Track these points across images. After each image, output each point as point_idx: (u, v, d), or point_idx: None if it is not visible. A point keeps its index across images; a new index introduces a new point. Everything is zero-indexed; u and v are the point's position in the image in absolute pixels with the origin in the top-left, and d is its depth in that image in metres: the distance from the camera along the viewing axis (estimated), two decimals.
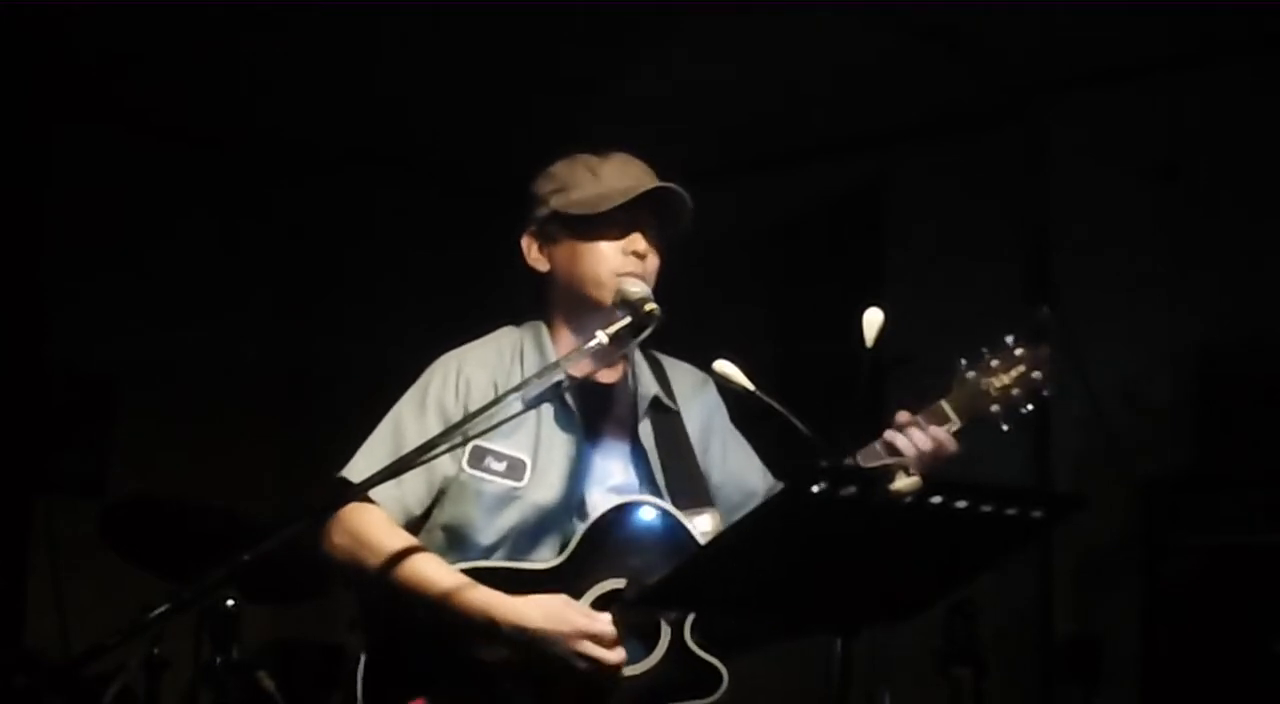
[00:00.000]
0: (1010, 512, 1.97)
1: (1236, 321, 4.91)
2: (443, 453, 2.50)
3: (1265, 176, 4.89)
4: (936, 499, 1.90)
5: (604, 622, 2.48)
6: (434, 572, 2.54)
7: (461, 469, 2.64)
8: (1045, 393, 2.64)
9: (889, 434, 2.60)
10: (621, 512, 2.61)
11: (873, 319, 2.54)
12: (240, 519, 4.25)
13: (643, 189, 2.66)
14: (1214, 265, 4.97)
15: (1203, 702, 4.46)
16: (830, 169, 6.05)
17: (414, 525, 2.66)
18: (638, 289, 2.63)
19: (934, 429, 2.60)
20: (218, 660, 4.10)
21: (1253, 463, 4.71)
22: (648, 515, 2.61)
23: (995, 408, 2.62)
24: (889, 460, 2.55)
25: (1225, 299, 4.94)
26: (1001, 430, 2.63)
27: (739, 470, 2.85)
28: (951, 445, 2.61)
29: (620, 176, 2.70)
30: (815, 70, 5.32)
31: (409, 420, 2.67)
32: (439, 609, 2.51)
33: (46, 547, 5.49)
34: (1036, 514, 2.00)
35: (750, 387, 2.59)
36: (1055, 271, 5.35)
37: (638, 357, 2.81)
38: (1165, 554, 4.65)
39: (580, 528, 2.61)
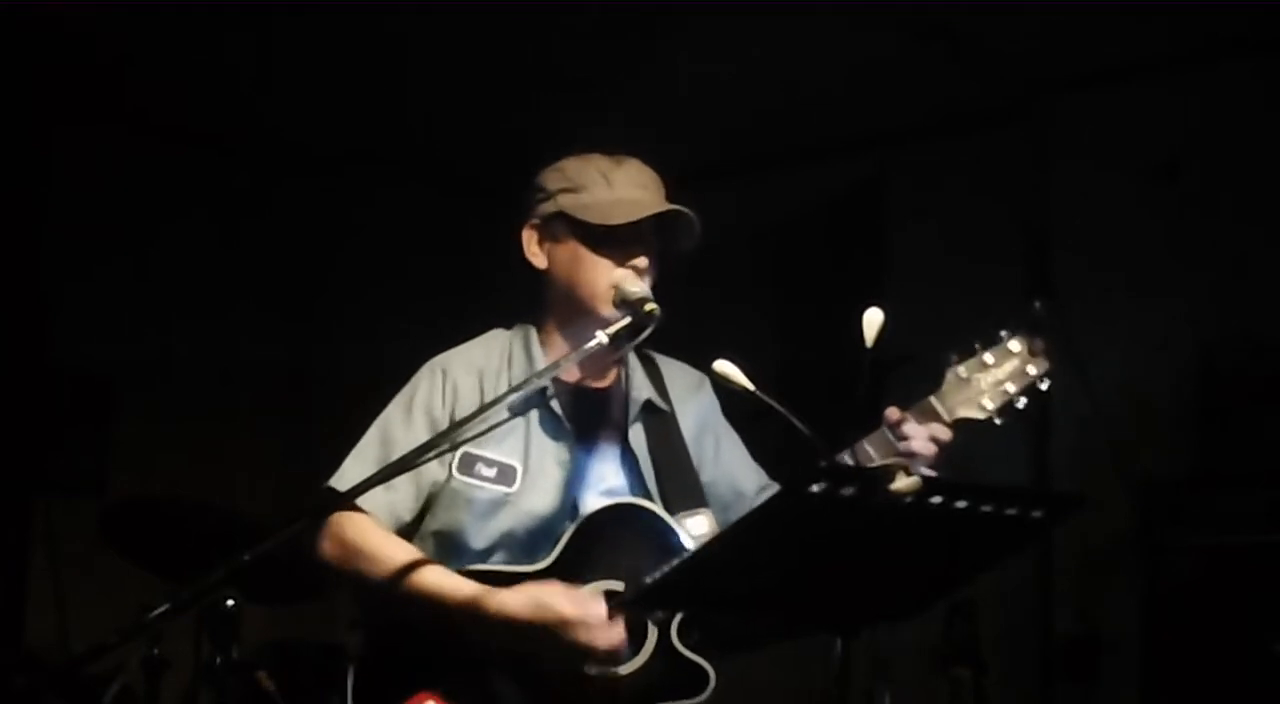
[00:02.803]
0: (1010, 512, 1.97)
1: (1236, 321, 4.90)
2: (431, 458, 2.49)
3: (1265, 176, 4.89)
4: (936, 499, 1.90)
5: (594, 606, 2.45)
6: (426, 571, 2.53)
7: (452, 476, 2.62)
8: (1044, 388, 2.56)
9: (906, 427, 2.54)
10: (608, 514, 2.61)
11: (872, 319, 2.51)
12: (240, 519, 4.25)
13: (658, 209, 2.64)
14: (1214, 265, 4.97)
15: (1203, 702, 4.45)
16: (830, 169, 6.05)
17: (405, 533, 2.66)
18: (637, 289, 2.62)
19: (928, 426, 2.54)
20: (218, 660, 4.10)
21: (1253, 463, 4.71)
22: (635, 517, 2.61)
23: (988, 403, 2.55)
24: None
25: (1225, 299, 4.94)
26: (995, 426, 2.56)
27: (730, 468, 2.83)
28: (945, 435, 2.55)
29: (633, 187, 2.68)
30: (815, 70, 5.32)
31: (396, 427, 2.66)
32: (431, 607, 2.51)
33: (46, 547, 5.49)
34: (1036, 514, 2.00)
35: (750, 386, 2.58)
36: (1055, 272, 5.35)
37: (632, 359, 2.80)
38: (1165, 554, 4.65)
39: (568, 530, 2.60)
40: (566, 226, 2.69)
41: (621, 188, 2.67)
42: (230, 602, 4.06)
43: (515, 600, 2.46)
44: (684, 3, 4.82)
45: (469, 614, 2.48)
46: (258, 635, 4.68)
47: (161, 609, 2.09)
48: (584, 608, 2.45)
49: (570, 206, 2.68)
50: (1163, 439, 4.96)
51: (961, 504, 1.92)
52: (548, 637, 2.45)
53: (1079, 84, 5.34)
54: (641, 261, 2.66)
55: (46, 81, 5.38)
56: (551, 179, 2.72)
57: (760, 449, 2.90)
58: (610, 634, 2.46)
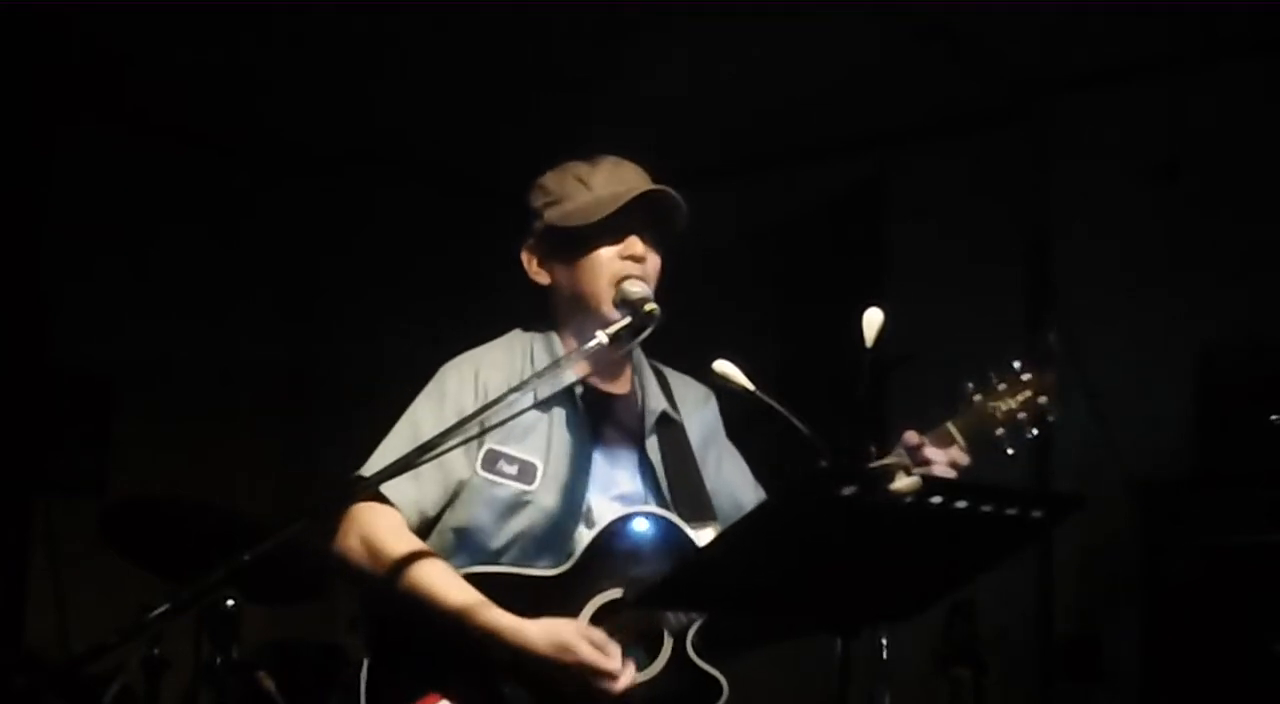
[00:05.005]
0: (1010, 512, 1.97)
1: (1236, 321, 4.90)
2: (453, 448, 2.48)
3: (1265, 176, 4.90)
4: (936, 499, 1.90)
5: (613, 656, 2.49)
6: (443, 587, 2.54)
7: (475, 472, 2.64)
8: (1052, 418, 2.63)
9: (927, 451, 2.58)
10: (628, 522, 2.62)
11: (873, 319, 2.52)
12: (240, 519, 4.25)
13: (632, 194, 2.65)
14: (1214, 265, 4.97)
15: (1203, 702, 4.45)
16: (830, 169, 6.05)
17: (427, 526, 2.66)
18: (638, 289, 2.63)
19: (947, 451, 2.59)
20: (218, 660, 4.10)
21: (1253, 463, 4.70)
22: (654, 527, 2.61)
23: (1000, 431, 2.62)
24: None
25: (1225, 299, 4.94)
26: (1007, 454, 2.62)
27: (731, 483, 2.85)
28: (964, 461, 2.61)
29: (611, 183, 2.70)
30: (815, 70, 5.32)
31: (428, 422, 2.66)
32: (445, 625, 2.52)
33: (46, 547, 5.49)
34: (1036, 514, 2.00)
35: (750, 386, 2.59)
36: (1055, 272, 5.35)
37: (645, 369, 2.82)
38: (1165, 554, 4.65)
39: (587, 536, 2.61)
40: (556, 239, 2.71)
41: (600, 186, 2.70)
42: (230, 602, 4.06)
43: (535, 636, 2.49)
44: (684, 3, 4.82)
45: (486, 642, 2.50)
46: (258, 635, 4.69)
47: (161, 609, 2.09)
48: (604, 657, 2.48)
49: (555, 218, 2.71)
50: (1163, 439, 4.96)
51: (961, 504, 1.92)
52: (563, 676, 2.47)
53: (1079, 84, 5.34)
54: (636, 247, 2.67)
55: (47, 81, 5.37)
56: (535, 197, 2.76)
57: (760, 449, 2.90)
58: (627, 673, 2.49)
